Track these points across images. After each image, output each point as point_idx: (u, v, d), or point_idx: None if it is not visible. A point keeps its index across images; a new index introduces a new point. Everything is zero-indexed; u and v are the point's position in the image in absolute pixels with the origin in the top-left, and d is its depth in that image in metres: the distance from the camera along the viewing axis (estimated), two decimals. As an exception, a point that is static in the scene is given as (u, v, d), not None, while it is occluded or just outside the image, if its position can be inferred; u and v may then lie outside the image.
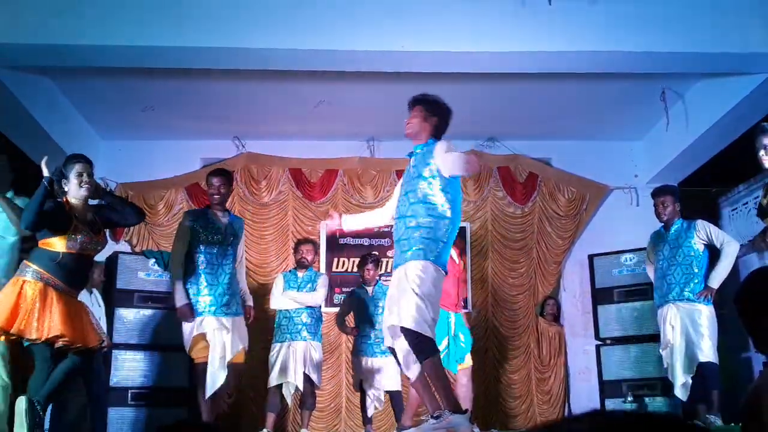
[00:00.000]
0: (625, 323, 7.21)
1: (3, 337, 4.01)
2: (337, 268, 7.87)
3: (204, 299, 4.98)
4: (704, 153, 7.29)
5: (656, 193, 5.70)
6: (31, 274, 4.03)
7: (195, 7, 5.47)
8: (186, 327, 5.02)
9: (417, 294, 3.67)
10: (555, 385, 7.72)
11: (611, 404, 7.12)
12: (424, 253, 3.76)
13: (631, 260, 7.26)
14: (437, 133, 4.07)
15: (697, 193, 8.39)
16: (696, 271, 5.39)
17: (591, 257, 7.68)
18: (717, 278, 5.31)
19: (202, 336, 4.98)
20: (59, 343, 3.99)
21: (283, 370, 5.94)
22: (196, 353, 5.02)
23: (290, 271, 6.34)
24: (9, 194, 4.86)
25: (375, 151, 8.08)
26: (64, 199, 4.22)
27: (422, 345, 3.69)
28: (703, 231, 5.46)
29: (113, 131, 7.75)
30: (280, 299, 6.07)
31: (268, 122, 7.69)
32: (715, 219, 8.05)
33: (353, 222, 4.55)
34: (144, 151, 7.92)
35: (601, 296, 7.49)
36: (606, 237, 7.81)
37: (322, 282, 6.18)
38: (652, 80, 6.70)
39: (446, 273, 3.91)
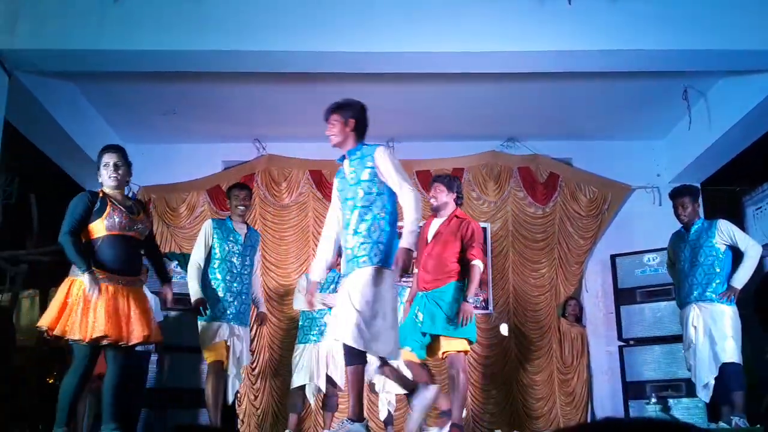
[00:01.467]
0: (648, 324, 7.15)
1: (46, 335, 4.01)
2: (357, 269, 7.86)
3: (223, 307, 5.11)
4: (727, 151, 7.21)
5: (674, 195, 5.64)
6: (77, 271, 4.03)
7: (214, 11, 5.51)
8: (205, 330, 5.12)
9: (357, 309, 3.74)
10: (578, 387, 7.66)
11: (635, 406, 7.06)
12: (369, 259, 3.84)
13: (654, 260, 7.20)
14: (361, 134, 4.17)
15: (721, 192, 8.32)
16: (718, 271, 5.33)
17: (613, 257, 7.63)
18: (740, 279, 5.25)
19: (223, 341, 5.11)
20: (102, 342, 4.00)
21: (306, 371, 5.97)
22: (215, 351, 5.11)
23: (315, 272, 6.34)
24: None
25: (394, 152, 8.06)
26: (100, 192, 4.22)
27: (351, 355, 3.82)
28: (725, 232, 5.38)
29: (135, 135, 7.81)
30: (302, 300, 6.09)
31: (288, 124, 7.71)
32: (739, 218, 7.99)
33: (321, 272, 4.28)
34: (165, 154, 7.98)
35: (623, 296, 7.43)
36: (628, 237, 7.76)
37: None
38: (674, 78, 6.64)
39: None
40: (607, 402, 7.57)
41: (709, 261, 5.36)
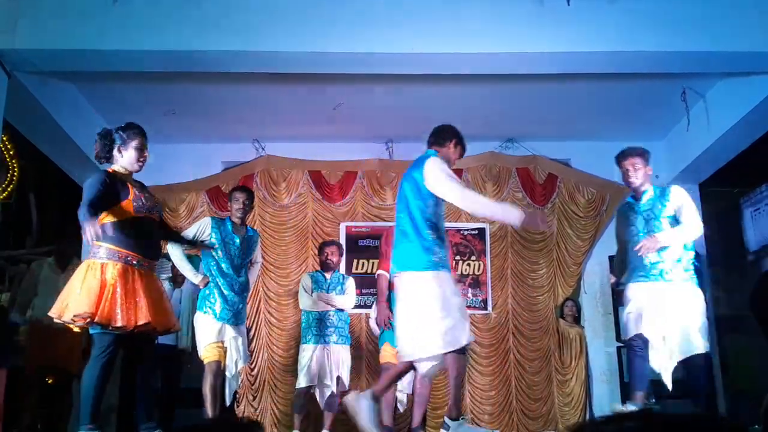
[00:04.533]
0: (646, 324, 7.14)
1: (81, 321, 3.73)
2: (356, 269, 7.89)
3: (221, 307, 5.12)
4: (726, 153, 7.22)
5: (623, 156, 4.89)
6: (105, 254, 3.85)
7: (214, 11, 5.51)
8: (202, 330, 5.14)
9: None
10: (576, 387, 7.68)
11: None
12: None
13: (652, 261, 7.20)
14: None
15: (719, 193, 8.33)
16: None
17: (612, 258, 7.63)
18: (669, 238, 4.59)
19: (221, 341, 5.13)
20: (144, 330, 3.86)
21: (319, 372, 5.99)
22: (212, 351, 5.13)
23: (317, 271, 6.37)
24: None
25: (393, 152, 8.09)
26: (110, 169, 4.08)
27: None
28: (678, 196, 4.73)
29: None
30: (311, 300, 6.10)
31: (288, 125, 7.72)
32: (736, 219, 8.00)
33: None
34: (165, 155, 7.91)
35: (622, 297, 7.43)
36: (627, 238, 7.77)
37: (351, 285, 6.26)
38: (673, 80, 6.66)
39: None
40: (606, 403, 7.58)
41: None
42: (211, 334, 5.11)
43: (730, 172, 7.69)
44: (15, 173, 7.76)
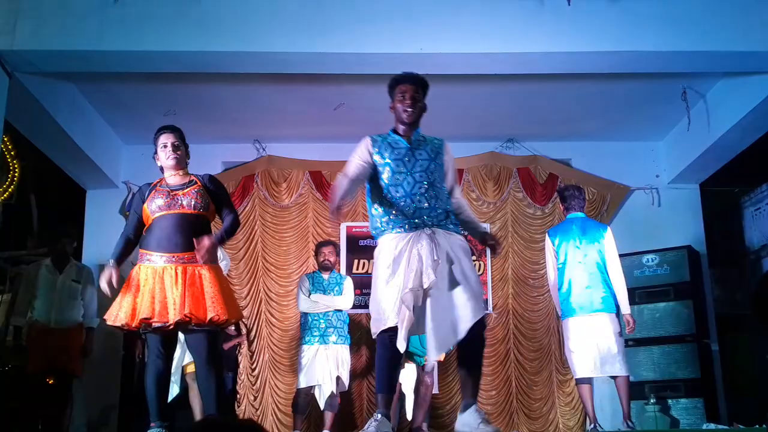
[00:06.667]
0: (647, 324, 7.16)
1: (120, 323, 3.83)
2: (357, 269, 7.89)
3: None
4: (726, 152, 7.22)
5: (405, 79, 3.93)
6: (137, 260, 4.00)
7: (214, 11, 5.52)
8: None
9: None
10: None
11: (634, 406, 7.06)
12: None
13: (653, 261, 7.21)
14: None
15: (720, 192, 8.32)
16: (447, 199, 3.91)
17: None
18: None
19: None
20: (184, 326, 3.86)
21: (318, 372, 6.00)
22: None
23: (315, 272, 6.39)
24: None
25: (394, 153, 8.07)
26: (161, 180, 4.19)
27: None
28: (451, 156, 3.97)
29: (135, 136, 7.81)
30: (309, 302, 6.11)
31: (288, 125, 7.72)
32: (737, 219, 7.99)
33: None
34: (165, 155, 7.98)
35: (623, 297, 7.44)
36: (627, 238, 7.72)
37: (350, 285, 6.27)
38: (673, 80, 6.65)
39: None
40: (607, 402, 7.56)
41: (442, 184, 3.87)
42: None
43: (730, 171, 7.69)
44: (16, 174, 7.77)
